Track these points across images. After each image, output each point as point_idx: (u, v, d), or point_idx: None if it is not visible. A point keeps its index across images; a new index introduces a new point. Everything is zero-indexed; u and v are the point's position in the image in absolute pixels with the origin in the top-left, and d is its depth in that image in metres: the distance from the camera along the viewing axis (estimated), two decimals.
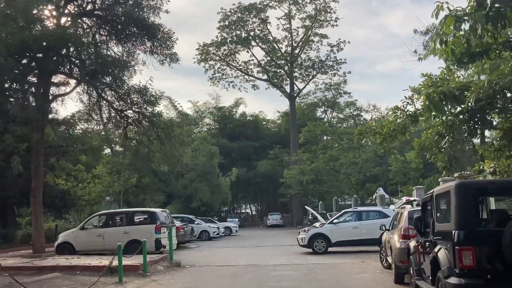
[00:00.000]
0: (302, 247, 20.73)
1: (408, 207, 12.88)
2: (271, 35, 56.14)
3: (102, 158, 33.36)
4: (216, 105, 63.79)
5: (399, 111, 9.66)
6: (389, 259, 13.14)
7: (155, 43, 19.60)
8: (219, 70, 56.69)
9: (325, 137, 54.90)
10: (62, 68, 18.62)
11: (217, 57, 56.21)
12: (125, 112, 18.88)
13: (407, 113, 9.62)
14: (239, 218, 57.47)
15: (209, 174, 41.18)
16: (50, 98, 18.70)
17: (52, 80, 18.86)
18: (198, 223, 33.48)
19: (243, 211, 79.60)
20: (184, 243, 26.80)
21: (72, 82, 19.21)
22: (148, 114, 18.14)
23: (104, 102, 18.89)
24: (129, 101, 18.01)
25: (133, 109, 18.40)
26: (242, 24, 54.71)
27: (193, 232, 29.66)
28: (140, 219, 20.07)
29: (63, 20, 18.93)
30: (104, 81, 18.47)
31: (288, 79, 56.32)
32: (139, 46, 20.06)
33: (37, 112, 17.21)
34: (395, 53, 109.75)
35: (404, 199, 21.23)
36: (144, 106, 17.86)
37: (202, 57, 55.49)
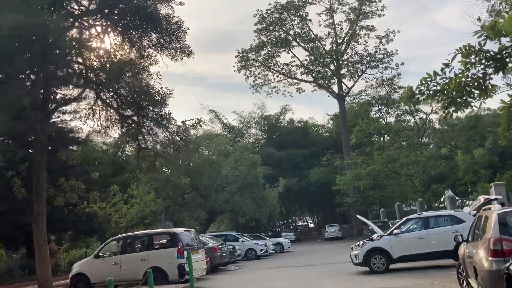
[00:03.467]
0: (357, 265, 16.90)
1: (497, 207, 8.92)
2: (313, 33, 52.62)
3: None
4: (261, 114, 60.87)
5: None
6: (473, 284, 9.25)
7: (164, 36, 16.90)
8: (260, 76, 53.78)
9: (381, 138, 50.32)
10: (63, 75, 16.27)
11: (257, 63, 53.32)
12: (132, 118, 16.14)
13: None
14: (294, 232, 53.81)
15: (253, 186, 37.95)
16: (50, 109, 16.36)
17: (52, 89, 16.61)
18: (243, 241, 30.27)
19: (299, 224, 75.54)
20: (224, 264, 23.71)
21: (71, 89, 16.77)
22: (154, 116, 15.24)
23: (108, 108, 16.27)
24: (132, 102, 15.21)
25: (141, 112, 15.57)
26: (280, 24, 51.58)
27: (235, 251, 26.45)
28: (160, 242, 17.17)
29: (66, 23, 16.67)
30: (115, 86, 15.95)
31: (335, 78, 52.32)
32: (146, 41, 17.54)
33: (35, 125, 14.87)
34: (451, 49, 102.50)
35: (481, 198, 16.79)
36: (151, 108, 14.97)
37: (242, 64, 52.82)
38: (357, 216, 21.94)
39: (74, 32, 16.41)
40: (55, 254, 28.48)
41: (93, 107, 17.02)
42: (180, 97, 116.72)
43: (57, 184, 17.77)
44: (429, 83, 6.19)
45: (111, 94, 16.07)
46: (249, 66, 53.23)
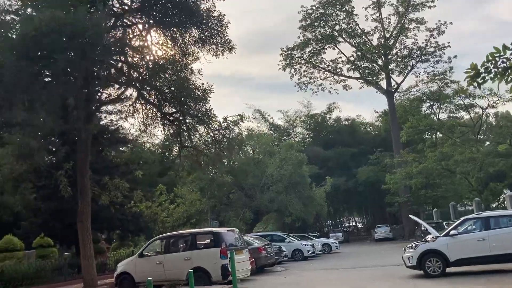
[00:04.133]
0: (410, 268, 15.81)
1: None
2: (359, 28, 51.06)
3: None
4: (307, 113, 59.86)
5: None
6: None
7: (205, 31, 16.56)
8: (306, 73, 52.80)
9: (432, 135, 48.11)
10: (105, 73, 16.24)
11: (302, 60, 52.38)
12: (173, 115, 15.87)
13: None
14: (342, 232, 52.50)
15: (299, 185, 37.11)
16: (94, 108, 16.38)
17: (96, 88, 16.64)
18: (289, 241, 29.56)
19: (347, 224, 73.80)
20: (270, 265, 23.12)
21: (114, 88, 16.74)
22: (195, 112, 14.86)
23: (150, 106, 16.08)
24: (173, 99, 14.91)
25: (182, 109, 15.25)
26: (326, 20, 50.39)
27: (281, 252, 25.78)
28: (204, 242, 16.79)
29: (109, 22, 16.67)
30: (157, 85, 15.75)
31: (383, 73, 50.55)
32: (188, 38, 17.27)
33: (79, 124, 14.87)
34: (507, 42, 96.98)
35: None
36: (191, 104, 14.60)
37: (287, 62, 52.06)
38: (410, 216, 20.72)
39: (116, 31, 16.39)
40: (103, 252, 28.95)
41: (135, 105, 16.97)
42: (227, 99, 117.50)
43: (102, 183, 17.81)
44: (497, 59, 5.32)
45: (153, 92, 15.87)
46: (294, 64, 52.40)
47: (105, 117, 22.79)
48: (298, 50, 52.04)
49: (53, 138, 20.97)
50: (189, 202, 30.44)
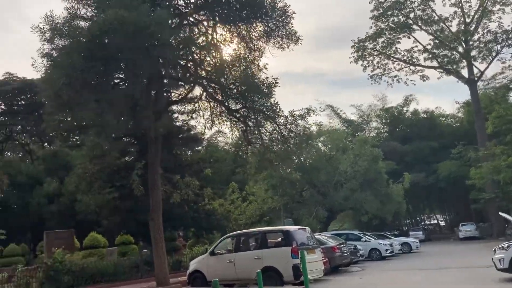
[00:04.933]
0: (501, 271, 14.25)
1: None
2: (436, 14, 48.08)
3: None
4: (382, 107, 57.49)
5: None
6: None
7: (269, 23, 16.12)
8: (379, 65, 50.65)
9: None
10: (173, 73, 16.32)
11: (375, 51, 50.32)
12: (239, 111, 15.57)
13: None
14: (423, 231, 49.82)
15: (375, 182, 35.49)
16: (163, 108, 16.48)
17: (165, 88, 16.79)
18: (366, 240, 28.33)
19: (428, 222, 70.05)
20: (345, 265, 22.21)
21: (183, 87, 16.77)
22: (260, 107, 14.43)
23: (217, 103, 15.90)
24: (238, 94, 14.58)
25: (247, 104, 14.90)
26: (399, 8, 47.97)
27: (357, 251, 24.71)
28: (274, 241, 16.33)
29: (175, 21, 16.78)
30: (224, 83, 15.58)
31: (464, 61, 47.20)
32: (254, 33, 16.94)
33: (148, 124, 15.01)
34: None
35: None
36: (256, 99, 14.18)
37: (359, 55, 50.29)
38: (500, 213, 18.85)
39: (181, 30, 16.41)
40: (179, 250, 29.53)
41: (202, 103, 16.91)
42: (299, 96, 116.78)
43: (173, 182, 17.97)
44: None
45: (218, 89, 15.68)
46: (367, 56, 50.50)
47: (176, 117, 23.16)
48: (371, 41, 50.10)
49: (127, 139, 21.61)
50: (261, 200, 30.18)
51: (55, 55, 12.67)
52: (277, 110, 14.66)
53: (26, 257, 32.73)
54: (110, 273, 19.74)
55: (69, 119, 13.45)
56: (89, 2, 14.08)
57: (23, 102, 52.96)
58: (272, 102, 14.43)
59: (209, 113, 16.42)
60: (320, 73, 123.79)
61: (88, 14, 14.19)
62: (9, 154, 59.84)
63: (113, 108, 12.49)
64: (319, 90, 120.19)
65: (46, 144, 54.65)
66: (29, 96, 49.82)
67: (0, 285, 18.79)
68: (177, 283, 16.95)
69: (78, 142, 21.45)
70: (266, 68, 16.01)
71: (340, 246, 21.69)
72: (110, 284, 19.20)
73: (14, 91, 51.44)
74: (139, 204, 20.70)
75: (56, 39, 13.25)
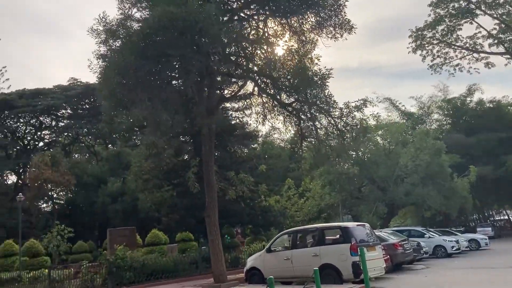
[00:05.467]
0: None
1: None
2: None
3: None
4: (444, 97, 54.81)
5: None
6: None
7: (321, 13, 15.66)
8: (439, 54, 48.26)
9: None
10: (225, 68, 16.26)
11: (435, 40, 48.00)
12: (292, 105, 15.23)
13: None
14: (492, 227, 47.04)
15: (438, 176, 33.79)
16: (215, 104, 16.46)
17: (217, 85, 16.76)
18: (429, 237, 27.07)
19: (497, 218, 66.15)
20: (408, 263, 21.30)
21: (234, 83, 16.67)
22: (314, 99, 13.99)
23: (269, 98, 15.65)
24: (290, 87, 14.23)
25: (299, 97, 14.52)
26: None
27: (420, 248, 23.62)
28: (332, 238, 15.87)
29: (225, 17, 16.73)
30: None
31: None
32: (306, 26, 16.56)
33: (201, 121, 15.04)
34: None
35: None
36: (309, 91, 13.78)
37: (417, 44, 48.17)
38: None
39: (232, 25, 16.31)
40: (238, 246, 29.65)
41: (255, 98, 16.74)
42: (356, 91, 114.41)
43: (228, 178, 17.95)
44: None
45: (270, 82, 15.42)
46: (426, 45, 48.27)
47: (230, 114, 23.21)
48: (429, 30, 47.81)
49: (183, 138, 21.89)
50: (318, 196, 29.66)
51: (110, 56, 12.93)
52: (331, 102, 14.16)
53: (93, 254, 34.24)
54: (170, 270, 20.05)
55: (124, 118, 13.69)
56: (142, 5, 14.32)
57: (87, 106, 55.55)
58: (326, 94, 13.95)
59: (261, 108, 16.23)
60: (376, 66, 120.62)
61: (140, 15, 14.47)
62: (76, 156, 63.00)
63: (166, 106, 12.57)
64: (376, 84, 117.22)
65: (110, 145, 56.97)
66: (92, 99, 52.04)
67: (67, 280, 19.61)
68: (235, 280, 16.89)
69: (137, 142, 21.96)
70: (319, 60, 15.60)
71: (402, 243, 20.81)
72: (170, 280, 19.50)
73: (79, 95, 54.04)
74: (196, 201, 20.91)
75: (111, 40, 13.57)
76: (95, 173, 47.17)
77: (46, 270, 20.85)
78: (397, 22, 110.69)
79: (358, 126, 15.07)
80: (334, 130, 15.44)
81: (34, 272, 21.87)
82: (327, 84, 13.79)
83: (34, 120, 56.23)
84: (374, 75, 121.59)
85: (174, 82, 14.21)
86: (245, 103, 16.42)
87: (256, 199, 24.45)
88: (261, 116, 15.69)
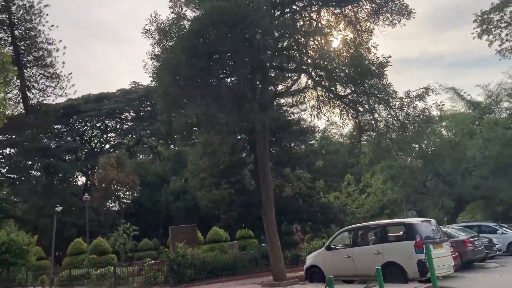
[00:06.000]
0: None
1: None
2: None
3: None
4: None
5: None
6: None
7: (378, 0, 14.97)
8: (509, 37, 45.09)
9: None
10: (277, 62, 15.95)
11: (503, 23, 44.89)
12: (348, 97, 14.64)
13: None
14: None
15: (510, 167, 31.50)
16: (269, 99, 16.18)
17: (271, 80, 16.50)
18: (503, 233, 25.26)
19: None
20: (480, 260, 19.96)
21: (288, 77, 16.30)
22: (371, 90, 13.34)
23: (325, 91, 15.16)
24: (346, 79, 13.67)
25: (356, 89, 13.93)
26: None
27: (493, 245, 22.08)
28: (395, 234, 15.12)
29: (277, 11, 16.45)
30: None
31: None
32: (361, 14, 15.92)
33: (254, 115, 14.83)
34: None
35: None
36: (366, 81, 13.15)
37: (483, 29, 45.32)
38: None
39: (284, 18, 15.98)
40: (297, 244, 29.30)
41: (310, 92, 16.32)
42: (416, 82, 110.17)
43: (283, 175, 17.65)
44: None
45: (325, 75, 14.92)
46: (493, 29, 45.31)
47: (286, 110, 22.87)
48: (497, 13, 44.78)
49: (240, 135, 21.84)
50: (380, 192, 28.64)
51: (163, 56, 13.03)
52: (390, 92, 13.43)
53: (158, 251, 35.22)
54: (230, 267, 20.06)
55: (179, 117, 13.77)
56: (193, 3, 14.34)
57: (148, 108, 57.38)
58: (384, 83, 13.26)
59: (316, 102, 15.76)
60: (438, 55, 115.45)
61: (192, 14, 14.50)
62: (141, 156, 65.33)
63: (219, 103, 12.47)
64: (438, 74, 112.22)
65: (172, 145, 58.50)
66: (152, 101, 53.65)
67: (131, 277, 20.17)
68: (295, 278, 16.56)
69: (196, 140, 22.18)
70: (376, 49, 14.91)
71: (472, 239, 19.50)
72: (229, 277, 19.50)
73: (140, 98, 55.96)
74: (253, 198, 20.79)
75: (164, 40, 13.70)
76: (157, 173, 48.57)
77: (112, 268, 21.57)
78: (458, 9, 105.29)
79: (421, 117, 14.20)
80: (394, 121, 14.68)
81: (101, 269, 22.71)
82: (385, 73, 13.11)
83: (99, 124, 58.92)
84: (435, 65, 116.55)
85: (226, 79, 14.11)
86: (299, 97, 15.96)
87: (314, 195, 23.96)
88: (316, 109, 15.20)
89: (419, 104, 13.87)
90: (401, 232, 14.84)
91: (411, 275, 13.81)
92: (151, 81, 13.50)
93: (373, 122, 15.16)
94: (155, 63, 13.36)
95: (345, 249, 15.79)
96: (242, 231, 29.53)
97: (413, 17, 14.64)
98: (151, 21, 13.09)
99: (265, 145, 15.77)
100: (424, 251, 12.92)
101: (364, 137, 16.99)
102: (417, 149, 28.85)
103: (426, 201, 32.51)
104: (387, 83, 13.30)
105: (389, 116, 14.49)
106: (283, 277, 15.51)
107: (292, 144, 24.28)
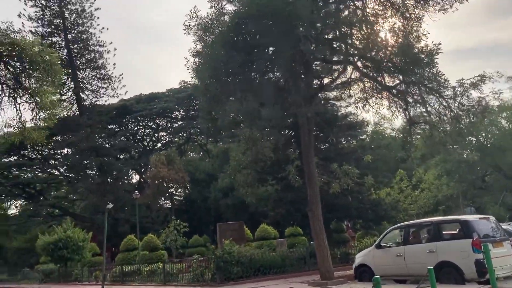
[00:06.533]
0: None
1: None
2: None
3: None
4: None
5: None
6: None
7: None
8: None
9: None
10: (320, 53, 15.40)
11: None
12: (397, 88, 13.88)
13: None
14: None
15: None
16: (314, 92, 15.66)
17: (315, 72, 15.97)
18: None
19: None
20: None
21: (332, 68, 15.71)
22: (421, 79, 12.54)
23: (372, 82, 14.48)
24: (394, 69, 12.94)
25: (405, 79, 13.16)
26: None
27: None
28: (451, 232, 14.23)
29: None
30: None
31: None
32: (408, 1, 15.07)
33: (298, 109, 14.37)
34: None
35: None
36: (415, 70, 12.37)
37: None
38: None
39: (328, 8, 15.41)
40: (348, 242, 28.56)
41: (357, 85, 15.66)
42: (473, 73, 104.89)
43: (331, 170, 17.08)
44: None
45: (372, 65, 14.24)
46: None
47: (333, 104, 22.23)
48: None
49: (286, 131, 21.46)
50: (435, 187, 27.34)
51: (203, 52, 12.88)
52: (442, 81, 12.56)
53: (208, 248, 35.53)
54: (278, 265, 19.75)
55: (220, 113, 13.58)
56: None
57: (196, 107, 58.15)
58: (435, 72, 12.41)
59: (362, 94, 15.08)
60: (496, 45, 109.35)
61: (233, 8, 14.26)
62: (191, 154, 66.42)
63: (260, 97, 12.14)
64: (496, 64, 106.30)
65: (220, 143, 59.06)
66: (201, 100, 54.17)
67: (180, 274, 20.32)
68: (343, 277, 16.00)
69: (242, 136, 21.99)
70: (426, 36, 14.03)
71: None
72: (277, 275, 19.19)
73: (189, 97, 56.72)
74: (300, 195, 20.37)
75: (206, 37, 13.54)
76: (206, 170, 49.11)
77: (161, 264, 21.84)
78: None
79: (476, 107, 13.24)
80: (447, 112, 13.78)
81: (151, 265, 23.08)
82: (435, 61, 12.27)
83: (151, 123, 60.35)
84: (493, 55, 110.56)
85: (268, 74, 13.74)
86: (346, 91, 15.34)
87: (364, 192, 23.19)
88: (362, 101, 14.53)
89: (474, 94, 12.92)
90: (457, 230, 13.95)
91: (468, 275, 12.94)
92: (191, 77, 13.41)
93: (424, 113, 14.31)
94: (196, 60, 13.23)
95: (396, 248, 15.07)
96: (291, 228, 29.12)
97: (466, 0, 13.64)
98: (191, 17, 12.98)
99: (310, 140, 15.30)
100: (483, 250, 12.07)
101: (415, 130, 16.12)
102: (474, 141, 27.29)
103: (485, 196, 30.70)
104: (438, 71, 12.45)
105: (441, 107, 13.60)
106: (331, 276, 15.01)
107: (342, 139, 23.58)
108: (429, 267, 10.33)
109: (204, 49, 13.11)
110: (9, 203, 60.98)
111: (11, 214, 58.68)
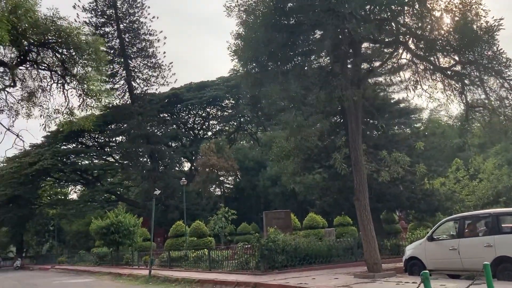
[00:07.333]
0: None
1: None
2: None
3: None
4: None
5: None
6: None
7: None
8: None
9: None
10: (366, 32, 14.53)
11: None
12: (452, 69, 12.82)
13: None
14: None
15: None
16: (362, 76, 14.84)
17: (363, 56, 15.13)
18: None
19: None
20: None
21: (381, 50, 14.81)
22: (479, 59, 11.45)
23: (426, 64, 13.49)
24: (448, 48, 11.91)
25: (461, 59, 12.10)
26: None
27: None
28: (511, 225, 13.13)
29: None
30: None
31: None
32: None
33: (345, 92, 13.66)
34: None
35: None
36: (473, 49, 11.31)
37: None
38: None
39: None
40: (399, 233, 27.48)
41: (409, 68, 14.70)
42: None
43: (379, 158, 16.25)
44: None
45: (425, 46, 13.22)
46: None
47: (384, 89, 21.25)
48: None
49: (335, 118, 20.74)
50: (495, 178, 25.61)
51: (244, 33, 12.44)
52: (503, 60, 11.41)
53: (257, 235, 35.52)
54: (324, 255, 19.19)
55: (262, 97, 13.15)
56: None
57: (248, 96, 58.05)
58: (495, 50, 11.30)
59: (414, 77, 14.10)
60: None
61: None
62: (241, 142, 66.62)
63: (303, 80, 11.57)
64: None
65: (270, 131, 58.78)
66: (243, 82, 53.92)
67: (225, 261, 20.24)
68: (392, 270, 15.21)
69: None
70: (487, 13, 12.82)
71: None
72: (323, 265, 18.63)
73: (239, 85, 56.60)
74: (348, 183, 19.64)
75: (247, 17, 13.07)
76: (255, 158, 49.03)
77: (207, 251, 21.87)
78: None
79: None
80: (509, 96, 12.61)
81: (197, 252, 23.20)
82: (496, 38, 11.16)
83: (201, 111, 60.90)
84: None
85: (311, 55, 13.09)
86: (396, 74, 14.40)
87: (417, 181, 22.05)
88: (413, 83, 13.57)
89: None
90: None
91: None
92: (231, 59, 13.00)
93: (483, 97, 13.17)
94: (237, 42, 12.81)
95: (449, 240, 14.11)
96: (340, 218, 28.36)
97: None
98: None
99: (358, 126, 14.54)
100: None
101: (473, 115, 14.94)
102: None
103: None
104: (499, 49, 11.31)
105: (502, 89, 12.42)
106: (379, 268, 14.29)
107: (395, 127, 22.50)
108: (486, 262, 9.47)
109: (244, 30, 12.66)
110: (68, 188, 63.87)
111: (71, 199, 61.41)
